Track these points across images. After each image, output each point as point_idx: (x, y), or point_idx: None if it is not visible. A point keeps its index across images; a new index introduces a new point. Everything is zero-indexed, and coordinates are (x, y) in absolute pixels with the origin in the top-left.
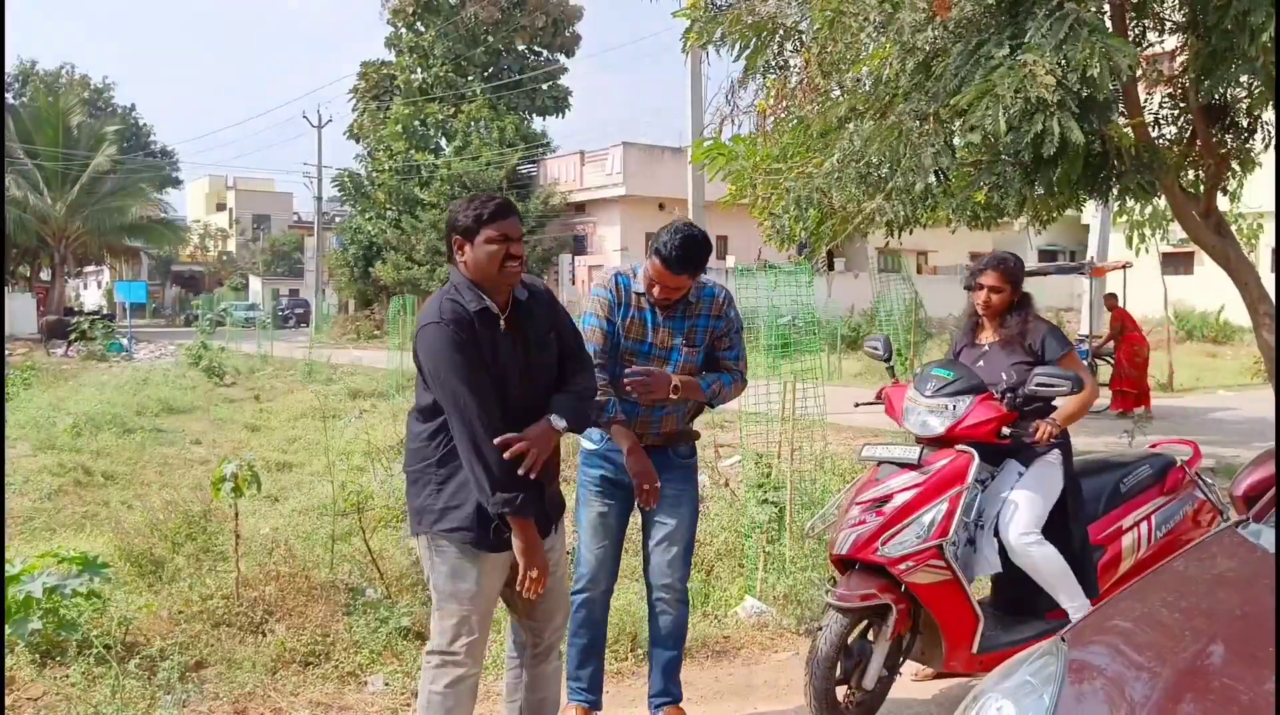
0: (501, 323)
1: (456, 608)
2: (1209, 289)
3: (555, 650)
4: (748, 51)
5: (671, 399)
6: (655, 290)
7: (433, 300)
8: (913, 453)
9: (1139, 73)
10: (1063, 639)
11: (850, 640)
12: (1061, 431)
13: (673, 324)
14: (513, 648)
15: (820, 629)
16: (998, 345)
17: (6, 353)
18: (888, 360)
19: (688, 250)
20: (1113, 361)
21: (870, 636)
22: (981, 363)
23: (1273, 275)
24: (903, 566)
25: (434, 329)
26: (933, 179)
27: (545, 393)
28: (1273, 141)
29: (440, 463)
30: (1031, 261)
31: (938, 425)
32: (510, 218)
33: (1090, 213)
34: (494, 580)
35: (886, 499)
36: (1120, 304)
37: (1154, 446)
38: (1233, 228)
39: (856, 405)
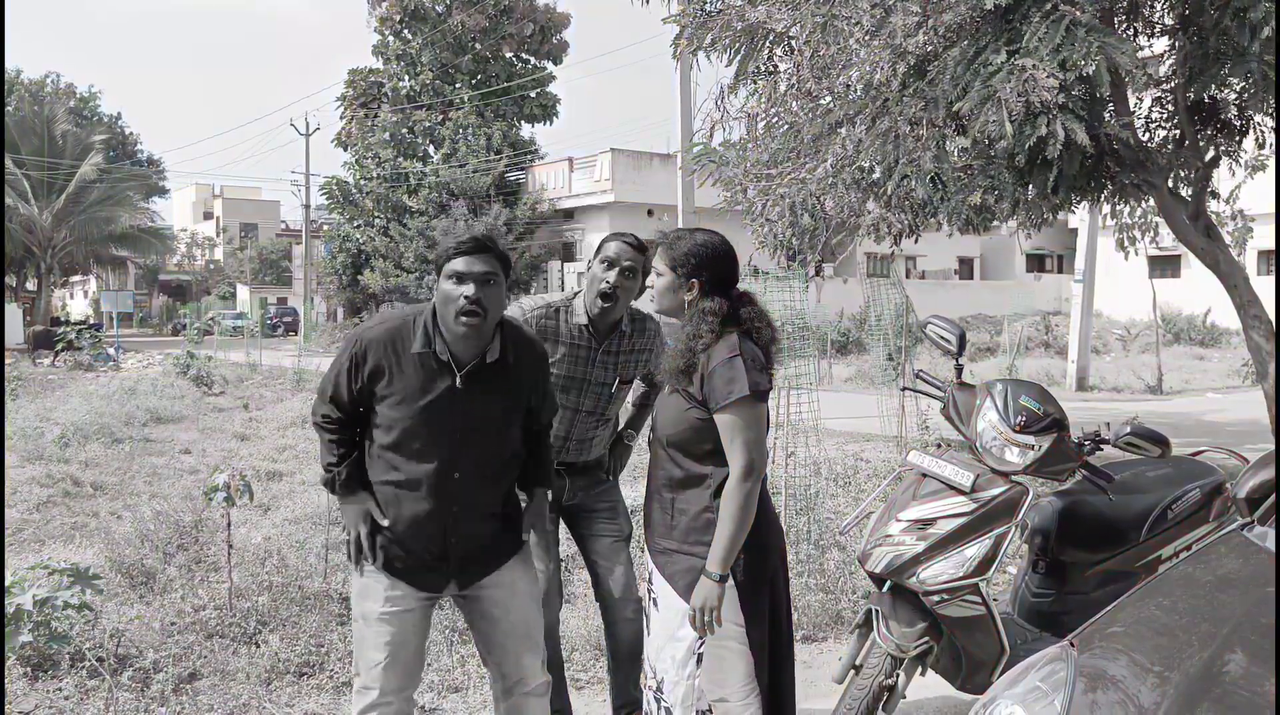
0: (458, 380)
1: (361, 627)
2: (1196, 292)
3: (528, 685)
4: (738, 57)
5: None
6: (612, 276)
7: (410, 309)
8: (966, 477)
9: (1129, 75)
10: (1071, 644)
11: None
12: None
13: (610, 359)
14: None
15: (861, 667)
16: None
17: None
18: (959, 355)
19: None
20: None
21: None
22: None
23: (1260, 278)
24: (936, 599)
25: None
26: (930, 184)
27: (486, 447)
28: (1267, 143)
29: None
30: (1019, 267)
31: (1018, 461)
32: (477, 254)
33: (1079, 216)
34: (405, 609)
35: (930, 522)
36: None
37: (1196, 454)
38: (1226, 230)
39: (904, 389)
